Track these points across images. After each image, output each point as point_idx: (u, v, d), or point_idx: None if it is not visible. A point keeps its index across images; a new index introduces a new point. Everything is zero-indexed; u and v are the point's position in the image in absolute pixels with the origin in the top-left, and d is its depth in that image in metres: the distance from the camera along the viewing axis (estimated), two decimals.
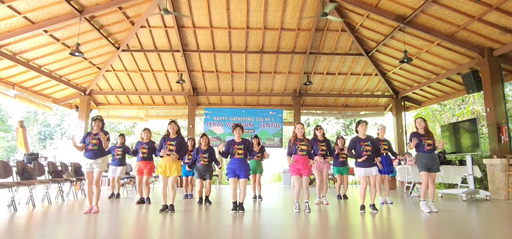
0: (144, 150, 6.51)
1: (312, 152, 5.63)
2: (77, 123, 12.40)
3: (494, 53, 7.90)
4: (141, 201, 6.40)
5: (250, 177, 6.92)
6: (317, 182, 6.34)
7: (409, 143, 5.46)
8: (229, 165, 5.21)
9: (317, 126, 6.45)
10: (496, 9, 6.74)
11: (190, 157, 7.03)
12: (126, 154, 7.52)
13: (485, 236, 3.78)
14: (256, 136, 6.75)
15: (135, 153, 6.82)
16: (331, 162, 6.93)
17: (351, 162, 7.38)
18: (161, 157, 5.22)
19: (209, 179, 6.29)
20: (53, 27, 8.24)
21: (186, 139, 7.16)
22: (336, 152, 6.78)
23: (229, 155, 5.22)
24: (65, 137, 24.65)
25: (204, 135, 6.30)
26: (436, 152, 5.46)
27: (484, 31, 7.56)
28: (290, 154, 5.31)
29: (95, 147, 5.14)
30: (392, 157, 6.98)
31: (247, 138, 5.45)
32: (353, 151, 5.39)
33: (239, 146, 5.17)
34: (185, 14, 9.25)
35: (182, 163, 5.99)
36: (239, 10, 9.31)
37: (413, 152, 6.11)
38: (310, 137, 6.40)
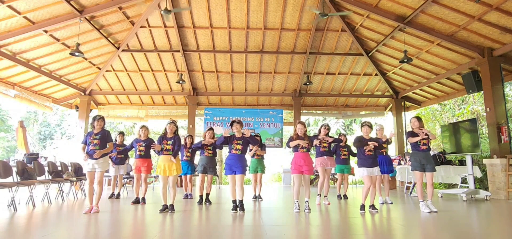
0: (142, 148, 6.50)
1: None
2: (77, 123, 12.40)
3: (494, 53, 7.90)
4: (136, 201, 6.37)
5: (252, 176, 6.93)
6: (320, 179, 6.34)
7: (409, 138, 5.44)
8: (226, 161, 5.21)
9: (327, 125, 6.35)
10: (496, 9, 6.74)
11: (188, 154, 7.07)
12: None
13: (485, 236, 3.78)
14: (256, 134, 6.78)
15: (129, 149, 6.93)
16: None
17: (352, 162, 7.39)
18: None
19: (211, 175, 6.35)
20: (53, 27, 8.24)
21: (185, 137, 7.23)
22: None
23: (228, 149, 5.22)
24: (65, 136, 24.65)
25: (210, 129, 6.33)
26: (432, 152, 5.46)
27: (484, 31, 7.56)
28: (291, 140, 5.33)
29: (96, 147, 5.14)
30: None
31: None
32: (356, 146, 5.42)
33: (238, 141, 5.16)
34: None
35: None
36: (239, 10, 9.31)
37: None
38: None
